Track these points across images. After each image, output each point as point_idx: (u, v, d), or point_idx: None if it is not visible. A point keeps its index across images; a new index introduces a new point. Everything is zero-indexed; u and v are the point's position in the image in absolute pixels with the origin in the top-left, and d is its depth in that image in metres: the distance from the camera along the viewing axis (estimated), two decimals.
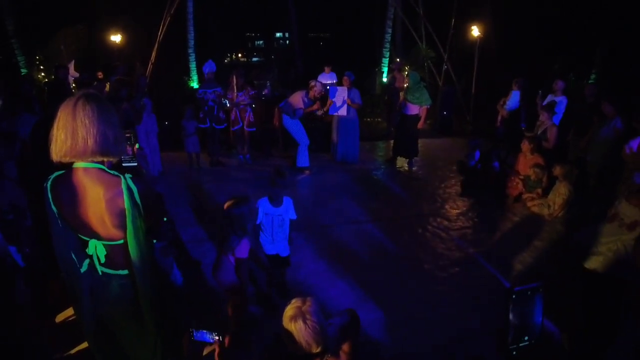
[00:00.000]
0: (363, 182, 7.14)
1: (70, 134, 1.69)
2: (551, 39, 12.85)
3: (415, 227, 5.42)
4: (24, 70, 11.53)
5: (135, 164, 2.12)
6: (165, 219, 3.91)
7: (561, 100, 7.10)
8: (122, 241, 1.85)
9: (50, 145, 1.73)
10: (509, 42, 12.76)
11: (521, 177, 6.31)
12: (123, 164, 2.06)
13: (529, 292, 1.68)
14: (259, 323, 3.52)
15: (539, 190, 6.12)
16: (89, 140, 1.69)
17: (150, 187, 2.07)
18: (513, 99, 7.98)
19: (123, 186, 1.74)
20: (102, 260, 1.90)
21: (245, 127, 7.66)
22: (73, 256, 1.89)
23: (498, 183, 6.59)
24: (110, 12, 11.48)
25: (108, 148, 1.74)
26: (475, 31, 10.38)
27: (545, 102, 7.09)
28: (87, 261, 1.94)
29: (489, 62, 11.44)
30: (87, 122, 1.69)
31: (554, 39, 12.87)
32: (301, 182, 7.15)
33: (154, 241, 3.39)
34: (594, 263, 2.85)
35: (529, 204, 6.07)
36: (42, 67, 11.73)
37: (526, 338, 1.74)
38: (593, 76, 12.74)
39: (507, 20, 12.90)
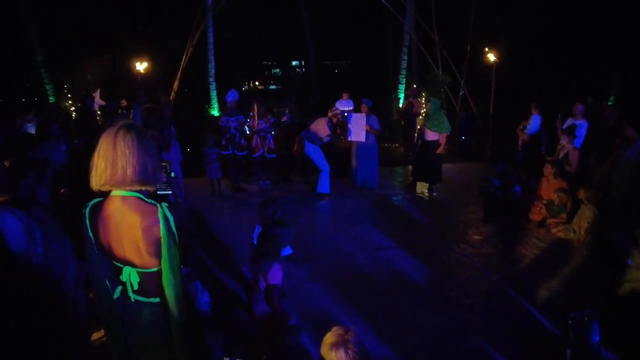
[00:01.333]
0: (383, 208, 7.12)
1: (110, 163, 1.75)
2: (567, 61, 12.88)
3: (438, 254, 5.36)
4: (51, 99, 11.99)
5: (170, 192, 2.17)
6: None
7: (581, 123, 7.06)
8: (156, 269, 1.86)
9: (90, 173, 1.78)
10: (525, 65, 12.81)
11: (544, 201, 6.23)
12: (158, 192, 2.10)
13: (586, 318, 1.64)
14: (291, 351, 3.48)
15: (564, 215, 6.02)
16: (128, 170, 1.74)
17: (184, 215, 2.12)
18: (534, 123, 7.95)
19: (160, 215, 1.77)
20: (135, 287, 1.91)
21: (265, 153, 7.78)
22: (107, 283, 1.92)
23: (520, 208, 6.51)
24: (135, 42, 11.94)
25: (146, 177, 1.79)
26: (491, 56, 10.46)
27: (565, 126, 7.05)
28: (119, 288, 1.97)
29: (506, 86, 11.47)
30: (127, 151, 1.75)
31: (570, 62, 12.90)
32: (321, 208, 7.17)
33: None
34: (626, 289, 2.78)
35: (554, 229, 5.96)
36: (69, 96, 12.19)
37: None
38: (612, 98, 12.66)
39: (522, 44, 12.99)
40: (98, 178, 1.77)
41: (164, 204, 1.83)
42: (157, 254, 1.81)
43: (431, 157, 7.61)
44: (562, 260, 5.18)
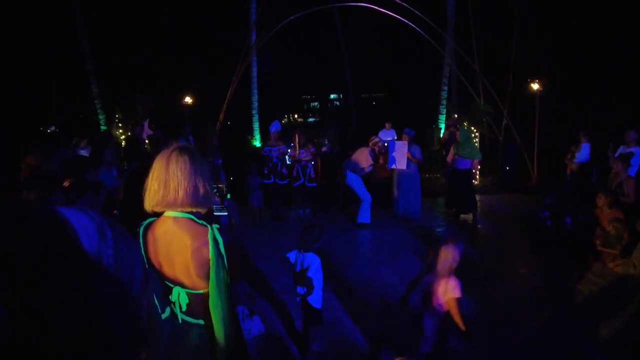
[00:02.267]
0: (427, 238, 6.95)
1: (162, 184, 1.78)
2: (616, 87, 12.46)
3: (487, 287, 5.13)
4: (103, 127, 12.77)
5: (226, 213, 2.21)
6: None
7: (636, 151, 6.73)
8: (204, 291, 1.86)
9: (141, 195, 1.83)
10: (571, 93, 12.47)
11: (599, 232, 5.88)
12: (215, 213, 2.14)
13: None
14: None
15: (619, 247, 5.65)
16: (179, 192, 1.77)
17: (238, 238, 2.14)
18: (583, 151, 7.66)
19: (209, 237, 1.78)
20: (184, 308, 1.91)
21: (306, 182, 7.85)
22: (156, 301, 1.93)
23: (572, 240, 6.17)
24: (184, 76, 12.62)
25: (198, 199, 1.81)
26: (534, 85, 10.27)
27: (617, 154, 6.74)
28: (168, 308, 1.97)
29: (551, 115, 11.17)
30: (179, 174, 1.78)
31: (620, 88, 12.47)
32: (362, 239, 7.09)
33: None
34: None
35: (611, 263, 5.60)
36: (120, 125, 12.96)
37: None
38: None
39: (568, 72, 12.71)
40: (151, 199, 1.81)
41: (215, 226, 1.83)
42: (206, 276, 1.81)
43: (465, 185, 7.50)
44: (621, 297, 4.83)
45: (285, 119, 26.85)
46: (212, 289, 1.81)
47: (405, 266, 5.79)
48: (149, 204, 1.82)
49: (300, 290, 3.47)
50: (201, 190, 1.83)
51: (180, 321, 1.96)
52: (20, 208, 0.58)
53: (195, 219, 1.85)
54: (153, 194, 1.81)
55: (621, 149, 7.03)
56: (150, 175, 1.83)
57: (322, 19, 17.53)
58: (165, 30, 15.20)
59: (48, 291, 0.51)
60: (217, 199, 2.34)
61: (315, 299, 3.46)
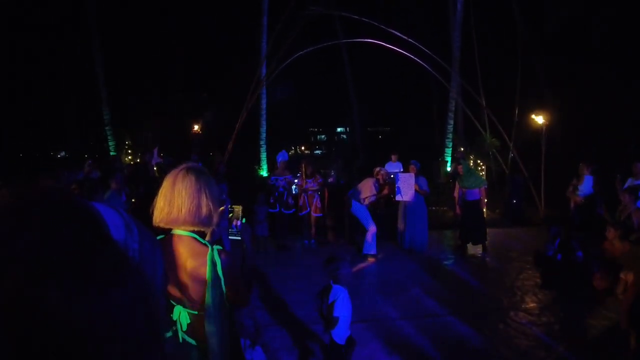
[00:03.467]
0: (433, 272, 6.85)
1: (168, 202, 1.81)
2: (623, 119, 12.51)
3: (495, 322, 5.00)
4: (112, 153, 12.98)
5: (239, 237, 2.19)
6: None
7: None
8: (202, 312, 1.84)
9: (152, 211, 1.86)
10: (577, 126, 12.53)
11: (610, 265, 5.75)
12: (230, 237, 2.14)
13: None
14: None
15: None
16: (182, 210, 1.79)
17: (249, 263, 2.11)
18: (586, 184, 7.62)
19: (208, 257, 1.78)
20: (184, 327, 1.89)
21: (312, 212, 7.84)
22: None
23: (584, 274, 6.04)
24: (193, 106, 12.89)
25: (200, 219, 1.82)
26: (539, 119, 10.35)
27: (626, 186, 6.70)
28: (173, 327, 1.94)
29: (557, 148, 11.19)
30: (183, 192, 1.80)
31: (627, 119, 12.52)
32: (368, 271, 7.00)
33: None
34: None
35: (622, 297, 5.44)
36: (129, 151, 13.15)
37: None
38: None
39: (573, 104, 12.81)
40: (157, 215, 1.83)
41: (216, 247, 1.83)
42: (203, 297, 1.80)
43: (475, 215, 7.47)
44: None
45: (292, 151, 27.12)
46: (207, 310, 1.79)
47: (410, 299, 5.68)
48: (156, 220, 1.84)
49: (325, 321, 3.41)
50: (204, 210, 1.83)
51: (181, 340, 1.92)
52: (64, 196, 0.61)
53: (198, 238, 1.86)
54: (159, 211, 1.83)
55: (629, 181, 6.98)
56: (159, 192, 1.86)
57: (330, 53, 18.00)
58: (177, 60, 15.67)
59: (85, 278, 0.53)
60: (237, 222, 2.32)
61: (337, 333, 3.36)
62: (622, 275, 5.03)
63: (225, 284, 1.80)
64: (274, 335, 4.61)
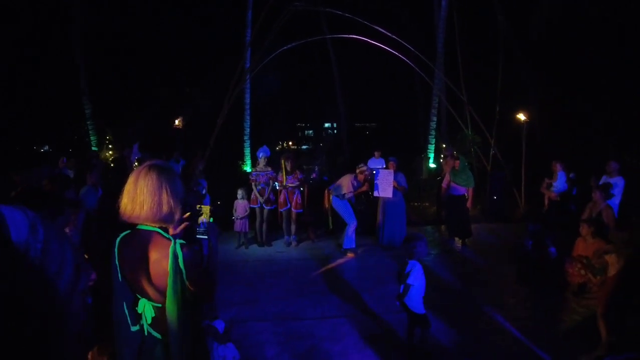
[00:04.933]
0: None
1: (131, 199, 1.87)
2: (602, 118, 12.75)
3: (470, 317, 5.07)
4: (94, 148, 12.81)
5: (206, 237, 2.21)
6: None
7: (616, 181, 6.82)
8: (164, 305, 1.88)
9: (118, 207, 1.91)
10: (557, 124, 12.73)
11: (584, 261, 5.86)
12: (197, 236, 2.16)
13: None
14: None
15: (599, 278, 5.62)
16: (144, 207, 1.85)
17: (205, 258, 2.12)
18: (560, 180, 7.76)
19: (170, 250, 1.82)
20: (149, 321, 1.94)
21: (293, 208, 7.83)
22: (126, 311, 1.95)
23: (557, 270, 6.15)
24: (175, 100, 12.77)
25: (161, 216, 1.88)
26: (521, 116, 10.47)
27: (600, 183, 6.84)
28: (140, 321, 1.98)
29: (538, 145, 11.35)
30: (145, 190, 1.85)
31: (606, 119, 12.76)
32: (347, 266, 7.02)
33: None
34: None
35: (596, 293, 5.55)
36: (110, 147, 12.99)
37: None
38: None
39: (554, 103, 13.00)
40: (122, 211, 1.89)
41: (179, 241, 1.86)
42: (165, 289, 1.83)
43: (461, 211, 7.57)
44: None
45: (280, 146, 27.05)
46: (168, 302, 1.83)
47: (386, 295, 5.72)
48: (122, 216, 1.89)
49: (400, 290, 3.96)
50: (164, 208, 1.88)
51: (146, 333, 1.97)
52: None
53: (162, 233, 1.91)
54: (124, 207, 1.88)
55: (604, 179, 7.12)
56: (124, 189, 1.91)
57: (318, 49, 17.94)
58: (160, 54, 15.46)
59: None
60: (204, 221, 2.35)
61: (415, 305, 3.92)
62: (607, 258, 5.13)
63: (186, 277, 1.83)
64: (250, 331, 4.61)
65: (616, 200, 6.70)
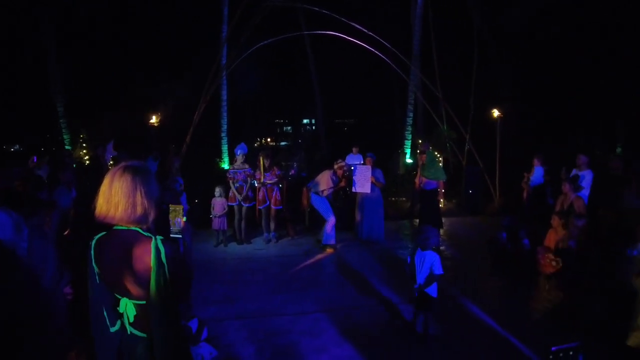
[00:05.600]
0: (389, 261, 7.00)
1: (106, 200, 1.88)
2: (573, 114, 13.15)
3: (446, 308, 5.17)
4: (67, 147, 12.47)
5: (181, 236, 2.22)
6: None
7: (584, 174, 7.06)
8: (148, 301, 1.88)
9: (94, 207, 1.91)
10: (530, 120, 13.07)
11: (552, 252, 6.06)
12: (171, 235, 2.16)
13: (571, 352, 1.57)
14: None
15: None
16: (119, 208, 1.86)
17: (181, 256, 2.13)
18: (536, 174, 7.98)
19: (152, 245, 1.85)
20: (131, 319, 1.94)
21: (272, 205, 7.83)
22: (105, 314, 1.95)
23: (529, 261, 6.34)
24: (151, 96, 12.54)
25: (135, 217, 1.89)
26: (495, 111, 10.70)
27: (570, 176, 7.07)
28: (119, 321, 1.99)
29: (512, 140, 11.63)
30: (119, 191, 1.87)
31: (576, 114, 13.17)
32: (326, 261, 7.07)
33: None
34: (634, 339, 2.65)
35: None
36: (84, 145, 12.70)
37: None
38: (619, 149, 12.77)
39: (527, 99, 13.33)
40: (98, 212, 1.90)
41: (159, 237, 1.89)
42: (149, 284, 1.84)
43: (431, 204, 7.66)
44: (575, 314, 4.95)
45: (258, 142, 26.90)
46: (152, 297, 1.84)
47: (365, 288, 5.80)
48: (97, 217, 1.90)
49: (420, 281, 4.23)
50: (139, 209, 1.90)
51: (128, 333, 1.97)
52: None
53: (141, 231, 1.92)
54: (99, 208, 1.90)
55: (574, 172, 7.35)
56: (100, 190, 1.91)
57: (295, 44, 17.87)
58: (136, 51, 15.15)
59: None
60: (178, 220, 2.36)
61: (433, 290, 4.24)
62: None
63: (168, 271, 1.85)
64: (229, 328, 4.60)
65: (585, 192, 6.93)
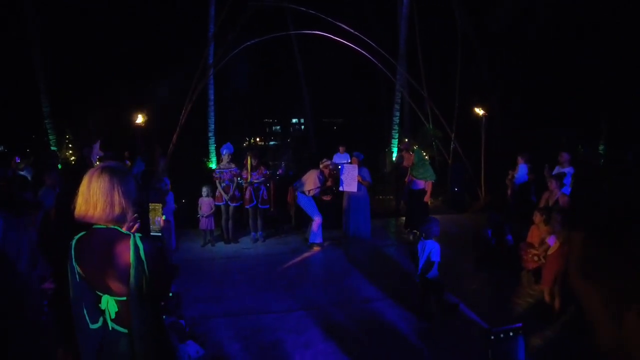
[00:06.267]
0: (375, 258, 7.08)
1: (85, 200, 1.94)
2: (556, 111, 13.38)
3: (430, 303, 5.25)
4: (53, 148, 12.35)
5: (160, 234, 2.27)
6: (170, 295, 3.95)
7: (569, 171, 7.22)
8: (128, 297, 1.93)
9: (73, 207, 1.96)
10: (514, 118, 13.27)
11: (536, 248, 6.18)
12: (151, 233, 2.20)
13: (511, 333, 1.65)
14: None
15: None
16: (97, 207, 1.92)
17: (161, 252, 2.17)
18: (521, 172, 8.11)
19: (131, 242, 1.90)
20: (113, 316, 1.98)
21: (259, 204, 7.85)
22: (85, 312, 1.98)
23: (513, 257, 6.46)
24: (136, 96, 12.48)
25: (113, 217, 1.95)
26: (479, 110, 10.84)
27: (553, 173, 7.21)
28: (101, 317, 2.02)
29: (496, 138, 11.80)
30: (97, 191, 1.93)
31: (559, 112, 13.39)
32: (313, 259, 7.13)
33: (163, 317, 3.44)
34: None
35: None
36: (70, 146, 12.60)
37: None
38: (602, 147, 13.03)
39: (511, 97, 13.52)
40: (77, 212, 1.95)
41: (137, 235, 1.95)
42: (128, 280, 1.90)
43: (419, 205, 7.75)
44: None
45: (247, 142, 26.85)
46: (131, 290, 1.89)
47: (351, 285, 5.87)
48: (77, 216, 1.95)
49: (421, 267, 4.75)
50: (116, 208, 1.96)
51: (110, 329, 2.01)
52: None
53: (120, 229, 1.98)
54: (78, 208, 1.95)
55: (557, 169, 7.50)
56: (79, 190, 1.97)
57: (282, 43, 17.89)
58: (120, 49, 15.03)
59: None
60: (158, 219, 2.41)
61: (432, 274, 4.74)
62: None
63: (147, 267, 1.90)
64: (216, 326, 4.63)
65: (567, 189, 7.09)
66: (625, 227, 4.36)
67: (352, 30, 10.46)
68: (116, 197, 1.94)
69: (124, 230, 1.99)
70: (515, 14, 13.81)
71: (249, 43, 10.76)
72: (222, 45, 10.96)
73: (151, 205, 2.38)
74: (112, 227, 1.96)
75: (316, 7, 10.61)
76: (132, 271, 1.87)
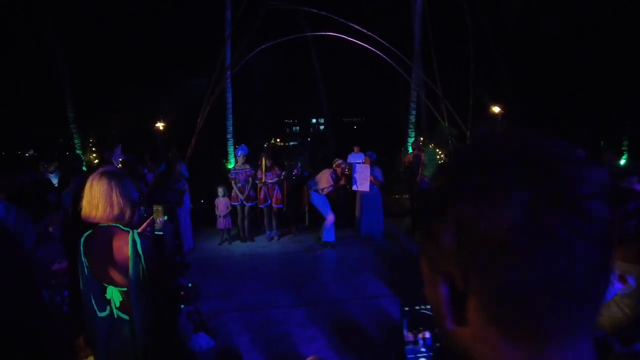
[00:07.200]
0: (387, 257, 7.18)
1: (88, 201, 2.18)
2: (577, 111, 13.12)
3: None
4: (78, 152, 12.92)
5: (162, 233, 2.50)
6: (190, 284, 4.18)
7: None
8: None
9: (80, 208, 2.21)
10: (531, 114, 13.09)
11: None
12: (155, 232, 2.44)
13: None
14: None
15: None
16: (99, 208, 2.16)
17: (158, 247, 2.39)
18: None
19: (130, 237, 2.12)
20: (117, 305, 2.19)
21: (273, 204, 8.06)
22: (93, 301, 2.21)
23: None
24: (157, 100, 12.90)
25: (113, 216, 2.18)
26: (495, 108, 10.78)
27: None
28: (108, 306, 2.22)
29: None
30: (98, 193, 2.17)
31: (581, 111, 13.13)
32: (325, 257, 7.29)
33: (182, 306, 3.69)
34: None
35: None
36: (93, 149, 13.14)
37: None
38: (626, 143, 12.74)
39: (529, 95, 13.33)
40: (83, 213, 2.20)
41: (136, 231, 2.17)
42: (128, 272, 2.10)
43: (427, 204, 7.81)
44: None
45: (267, 143, 27.17)
46: (130, 283, 2.10)
47: (359, 282, 6.00)
48: (83, 217, 2.19)
49: None
50: (115, 209, 2.19)
51: (115, 316, 2.21)
52: None
53: (121, 227, 2.20)
54: (84, 209, 2.20)
55: None
56: (84, 193, 2.21)
57: (298, 45, 18.05)
58: (142, 54, 15.49)
59: None
60: (160, 219, 2.65)
61: None
62: None
63: (144, 260, 2.11)
64: (226, 320, 4.85)
65: None
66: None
67: (364, 30, 10.55)
68: (115, 198, 2.17)
69: (123, 227, 2.19)
70: (531, 13, 13.62)
71: (264, 46, 10.99)
72: (238, 47, 11.22)
73: (154, 207, 2.60)
74: (113, 224, 2.18)
75: (330, 8, 10.74)
76: (130, 264, 2.08)
